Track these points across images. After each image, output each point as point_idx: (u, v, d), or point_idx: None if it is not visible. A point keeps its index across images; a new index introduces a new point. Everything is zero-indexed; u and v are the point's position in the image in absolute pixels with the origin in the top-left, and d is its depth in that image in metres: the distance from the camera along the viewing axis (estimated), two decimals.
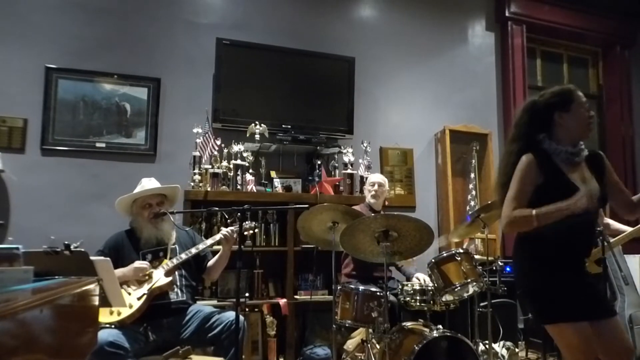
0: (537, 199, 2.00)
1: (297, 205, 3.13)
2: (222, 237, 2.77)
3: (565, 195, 1.94)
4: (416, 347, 2.59)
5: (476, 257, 3.26)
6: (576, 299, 1.98)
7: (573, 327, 1.95)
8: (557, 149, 2.05)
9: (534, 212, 1.96)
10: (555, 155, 2.05)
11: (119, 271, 2.51)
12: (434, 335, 2.67)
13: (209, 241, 2.79)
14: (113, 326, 2.41)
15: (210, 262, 2.88)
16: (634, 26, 5.94)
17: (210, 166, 3.79)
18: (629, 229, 3.19)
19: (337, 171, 4.31)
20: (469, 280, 2.89)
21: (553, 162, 2.04)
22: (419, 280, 3.40)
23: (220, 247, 2.86)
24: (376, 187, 3.66)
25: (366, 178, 4.08)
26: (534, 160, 2.02)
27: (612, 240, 3.02)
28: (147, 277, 2.59)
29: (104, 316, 2.39)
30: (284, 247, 3.85)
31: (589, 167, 2.11)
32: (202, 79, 4.13)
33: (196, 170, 3.76)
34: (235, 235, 2.78)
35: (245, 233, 2.81)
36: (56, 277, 1.50)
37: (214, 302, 3.53)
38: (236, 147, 3.87)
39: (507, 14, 5.29)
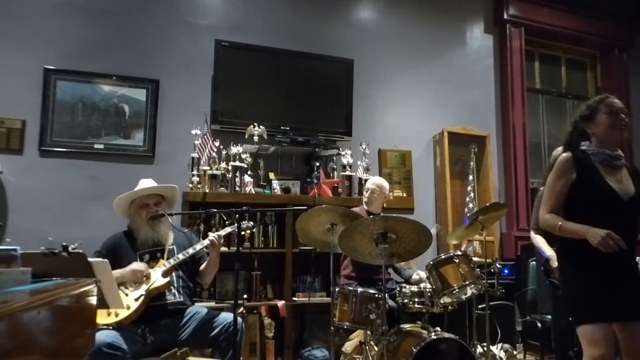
0: (570, 194, 2.18)
1: (296, 207, 3.13)
2: (209, 242, 2.76)
3: (597, 192, 2.12)
4: (414, 349, 2.59)
5: (474, 259, 3.26)
6: (598, 301, 2.06)
7: (592, 327, 2.04)
8: (595, 150, 2.21)
9: (560, 223, 2.16)
10: (594, 156, 2.21)
11: (117, 272, 2.50)
12: (432, 337, 2.67)
13: (198, 246, 2.77)
14: (111, 328, 2.40)
15: (202, 267, 2.87)
16: (632, 29, 5.97)
17: (208, 168, 3.79)
18: None
19: (335, 173, 4.31)
20: (467, 282, 2.89)
21: (590, 162, 2.20)
22: (419, 275, 3.39)
23: None
24: (369, 193, 3.66)
25: (365, 180, 4.09)
26: (570, 158, 2.22)
27: None
28: (144, 278, 2.59)
29: (102, 318, 2.38)
30: (282, 248, 3.84)
31: (630, 174, 2.22)
32: (200, 80, 4.14)
33: (194, 172, 3.76)
34: (222, 241, 2.78)
35: (243, 233, 2.80)
36: (54, 278, 1.50)
37: (212, 303, 3.53)
38: (235, 149, 3.87)
39: (505, 17, 5.30)
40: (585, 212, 2.14)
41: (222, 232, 2.82)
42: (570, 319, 2.18)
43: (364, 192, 3.71)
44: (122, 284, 2.54)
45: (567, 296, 2.22)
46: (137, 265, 2.60)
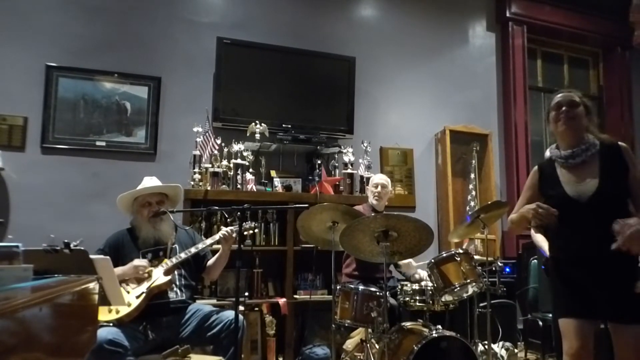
0: (544, 202, 2.16)
1: (297, 205, 3.12)
2: (222, 236, 2.77)
3: (554, 200, 2.11)
4: (415, 347, 2.59)
5: (476, 257, 3.26)
6: (563, 297, 2.11)
7: (563, 321, 2.09)
8: (555, 154, 2.20)
9: (509, 217, 2.31)
10: (555, 160, 2.20)
11: (119, 269, 2.51)
12: (433, 335, 2.67)
13: (209, 240, 2.79)
14: (111, 324, 2.41)
15: (210, 262, 2.88)
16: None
17: (210, 165, 3.79)
18: None
19: (337, 171, 4.31)
20: (469, 280, 2.89)
21: (553, 167, 2.19)
22: (419, 275, 3.39)
23: (219, 246, 2.86)
24: (379, 189, 3.63)
25: (367, 178, 4.08)
26: (536, 169, 2.28)
27: None
28: (146, 276, 2.59)
29: (103, 314, 2.39)
30: (284, 246, 3.85)
31: (604, 163, 2.10)
32: (202, 78, 4.14)
33: (196, 169, 3.76)
34: (234, 235, 2.78)
35: (245, 233, 2.81)
36: (56, 275, 1.50)
37: (213, 301, 3.54)
38: (236, 147, 3.87)
39: (507, 15, 5.29)
40: (558, 218, 2.11)
41: (234, 227, 2.81)
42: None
43: (372, 189, 3.68)
44: (124, 281, 2.54)
45: (551, 293, 2.29)
46: (139, 261, 2.60)
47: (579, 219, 2.05)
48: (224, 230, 2.80)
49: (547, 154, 2.24)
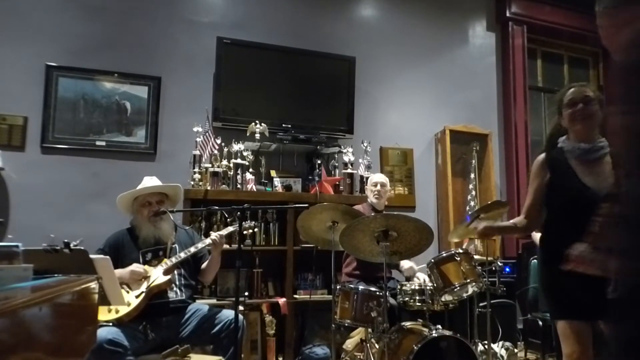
0: (547, 196, 2.14)
1: (297, 205, 3.13)
2: (211, 241, 2.76)
3: (570, 191, 2.05)
4: (415, 347, 2.59)
5: (475, 257, 3.26)
6: (559, 298, 2.06)
7: (561, 323, 2.05)
8: (569, 147, 2.13)
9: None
10: (569, 152, 2.13)
11: (116, 272, 2.51)
12: (433, 335, 2.67)
13: (208, 240, 2.79)
14: (112, 324, 2.41)
15: (203, 265, 2.88)
16: None
17: (210, 165, 3.79)
18: None
19: (337, 171, 4.31)
20: (468, 280, 2.89)
21: (564, 159, 2.13)
22: (419, 279, 3.39)
23: None
24: (379, 187, 3.64)
25: (366, 178, 4.08)
26: (543, 159, 2.18)
27: None
28: (143, 279, 2.59)
29: (102, 314, 2.39)
30: (284, 246, 3.85)
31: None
32: (202, 77, 4.14)
33: (196, 169, 3.76)
34: (223, 240, 2.78)
35: (245, 232, 2.81)
36: (55, 275, 1.50)
37: (213, 301, 3.54)
38: (236, 146, 3.87)
39: (507, 15, 5.29)
40: (563, 213, 2.09)
41: (224, 232, 2.82)
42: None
43: (371, 187, 3.68)
44: (122, 283, 2.54)
45: (544, 295, 2.24)
46: (137, 267, 2.60)
47: (594, 211, 2.03)
48: (213, 235, 2.78)
49: (560, 145, 2.16)
